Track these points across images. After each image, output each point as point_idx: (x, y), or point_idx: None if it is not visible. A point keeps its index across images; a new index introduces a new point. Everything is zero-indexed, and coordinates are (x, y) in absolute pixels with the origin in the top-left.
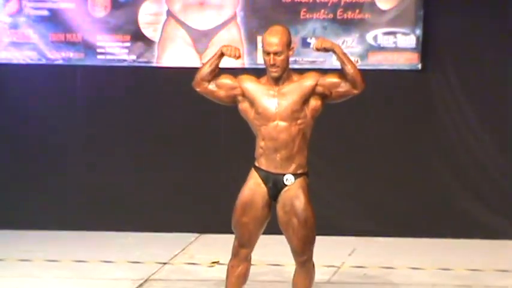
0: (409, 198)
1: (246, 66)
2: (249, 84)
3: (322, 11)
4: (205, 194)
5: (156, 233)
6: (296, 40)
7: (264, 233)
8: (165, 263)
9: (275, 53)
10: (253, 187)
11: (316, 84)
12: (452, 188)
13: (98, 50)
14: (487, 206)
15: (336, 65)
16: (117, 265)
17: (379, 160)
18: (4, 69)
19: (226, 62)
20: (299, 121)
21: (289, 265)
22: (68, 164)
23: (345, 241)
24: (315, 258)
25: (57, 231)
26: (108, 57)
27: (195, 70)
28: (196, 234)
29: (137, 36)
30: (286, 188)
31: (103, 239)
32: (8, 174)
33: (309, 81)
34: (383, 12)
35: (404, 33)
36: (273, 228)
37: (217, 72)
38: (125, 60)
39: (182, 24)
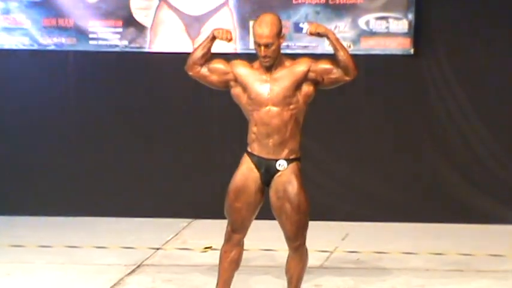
0: (401, 183)
1: (239, 51)
2: (242, 70)
3: None
4: (198, 180)
5: (148, 218)
6: (288, 25)
7: (256, 218)
8: (157, 249)
9: (266, 45)
10: (246, 172)
11: (309, 70)
12: (445, 173)
13: (90, 36)
14: (479, 191)
15: (329, 50)
16: (109, 250)
17: (371, 145)
18: None
19: (219, 47)
20: (291, 106)
21: (282, 250)
22: (60, 149)
23: (338, 226)
24: (308, 243)
25: (49, 217)
26: (100, 42)
27: (187, 56)
28: (189, 220)
29: (129, 21)
30: (279, 174)
31: (95, 225)
32: None
33: (301, 67)
34: None
35: (396, 18)
36: (266, 214)
37: (210, 56)
38: (117, 46)
39: (174, 9)
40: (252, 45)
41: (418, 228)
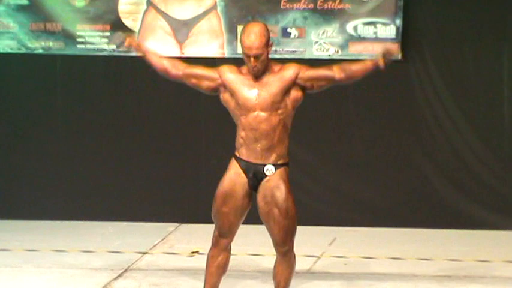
0: (389, 188)
1: (226, 56)
2: (230, 75)
3: (303, 1)
4: (186, 184)
5: (135, 222)
6: (276, 30)
7: (244, 223)
8: (144, 253)
9: (255, 56)
10: (234, 177)
11: (297, 77)
12: (432, 179)
13: (78, 40)
14: (467, 197)
15: (317, 55)
16: (96, 254)
17: (359, 150)
18: None
19: (209, 52)
20: (279, 111)
21: (270, 255)
22: (47, 153)
23: (326, 231)
24: (295, 248)
25: (36, 220)
26: (88, 46)
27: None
28: (176, 224)
29: (117, 25)
30: (266, 179)
31: (82, 229)
32: None
33: (289, 73)
34: (363, 2)
35: (384, 24)
36: (253, 218)
37: (158, 61)
38: (104, 50)
39: (162, 13)
40: (239, 50)
41: (405, 234)
